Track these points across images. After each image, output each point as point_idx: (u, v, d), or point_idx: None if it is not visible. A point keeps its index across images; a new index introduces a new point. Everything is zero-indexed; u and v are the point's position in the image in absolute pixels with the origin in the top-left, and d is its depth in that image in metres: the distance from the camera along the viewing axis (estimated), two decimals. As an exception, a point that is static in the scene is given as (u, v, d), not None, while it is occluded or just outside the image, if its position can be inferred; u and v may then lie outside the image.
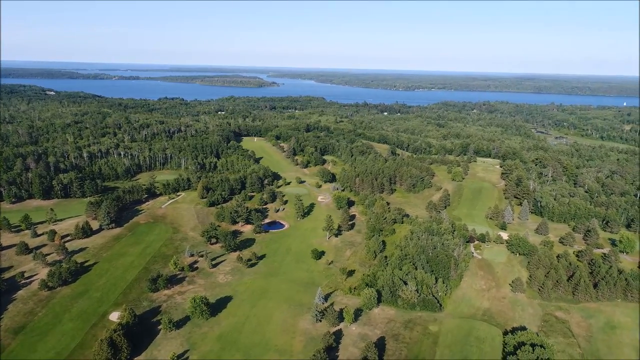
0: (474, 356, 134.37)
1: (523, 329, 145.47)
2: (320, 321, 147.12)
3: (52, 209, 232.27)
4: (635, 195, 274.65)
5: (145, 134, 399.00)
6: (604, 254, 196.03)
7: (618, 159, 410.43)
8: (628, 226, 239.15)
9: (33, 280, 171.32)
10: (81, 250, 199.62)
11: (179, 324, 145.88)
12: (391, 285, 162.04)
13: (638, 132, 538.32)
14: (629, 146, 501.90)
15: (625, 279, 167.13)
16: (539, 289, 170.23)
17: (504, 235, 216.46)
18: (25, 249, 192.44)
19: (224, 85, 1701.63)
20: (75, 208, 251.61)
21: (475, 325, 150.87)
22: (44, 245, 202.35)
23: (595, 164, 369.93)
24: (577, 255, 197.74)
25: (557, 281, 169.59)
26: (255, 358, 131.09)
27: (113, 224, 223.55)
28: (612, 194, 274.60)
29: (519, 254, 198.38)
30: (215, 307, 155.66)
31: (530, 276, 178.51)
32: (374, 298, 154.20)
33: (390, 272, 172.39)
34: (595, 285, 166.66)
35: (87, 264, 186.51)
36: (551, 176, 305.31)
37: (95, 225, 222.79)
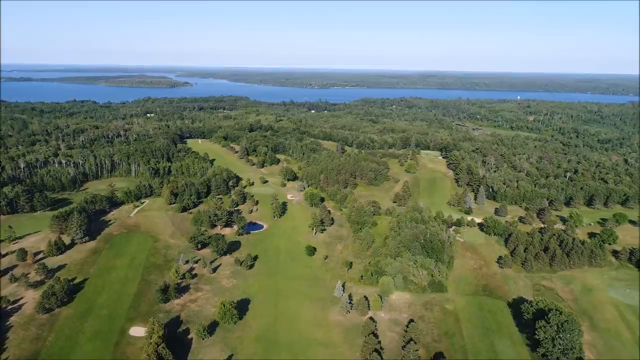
0: (494, 327, 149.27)
1: (522, 299, 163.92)
2: (349, 312, 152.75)
3: (10, 227, 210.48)
4: (565, 176, 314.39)
5: (83, 140, 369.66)
6: (563, 229, 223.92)
7: (536, 146, 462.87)
8: (567, 204, 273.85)
9: (22, 304, 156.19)
10: (60, 267, 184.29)
11: (210, 331, 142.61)
12: (402, 272, 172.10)
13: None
14: (539, 135, 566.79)
15: (590, 249, 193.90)
16: (522, 263, 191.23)
17: (477, 219, 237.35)
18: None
19: (133, 86, 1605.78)
20: (28, 224, 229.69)
21: (482, 300, 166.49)
22: (15, 265, 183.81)
23: (521, 152, 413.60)
24: (540, 232, 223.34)
25: (536, 255, 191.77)
26: (302, 354, 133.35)
27: (87, 238, 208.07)
28: (548, 176, 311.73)
29: (494, 234, 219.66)
30: (238, 310, 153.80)
31: (511, 253, 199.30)
32: (392, 285, 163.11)
33: (392, 260, 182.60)
34: (567, 256, 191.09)
35: (76, 281, 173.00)
36: (494, 164, 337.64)
37: (66, 240, 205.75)
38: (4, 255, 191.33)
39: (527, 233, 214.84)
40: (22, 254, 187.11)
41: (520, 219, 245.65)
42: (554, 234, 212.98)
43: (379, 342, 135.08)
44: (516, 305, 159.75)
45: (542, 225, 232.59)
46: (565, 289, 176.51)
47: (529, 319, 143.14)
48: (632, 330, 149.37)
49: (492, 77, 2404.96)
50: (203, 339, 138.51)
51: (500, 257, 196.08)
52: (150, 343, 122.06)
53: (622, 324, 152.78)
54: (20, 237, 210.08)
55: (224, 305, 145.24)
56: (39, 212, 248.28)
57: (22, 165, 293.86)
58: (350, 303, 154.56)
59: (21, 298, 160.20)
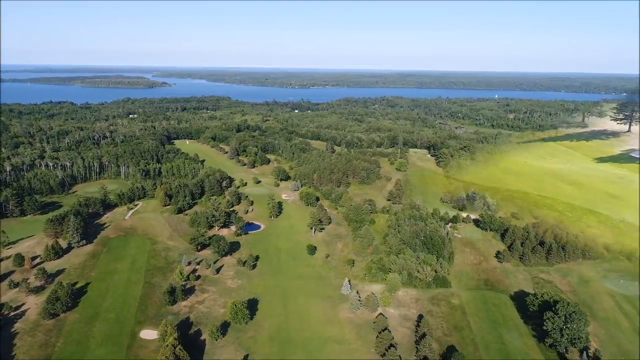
0: (500, 320, 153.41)
1: (524, 292, 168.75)
2: (359, 309, 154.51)
3: (3, 231, 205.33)
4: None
5: (68, 142, 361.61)
6: (556, 224, 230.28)
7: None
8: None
9: (25, 310, 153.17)
10: (60, 272, 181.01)
11: (222, 331, 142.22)
12: (407, 268, 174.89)
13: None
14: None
15: (583, 242, 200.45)
16: (520, 257, 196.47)
17: (472, 216, 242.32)
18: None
19: (110, 87, 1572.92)
20: (19, 228, 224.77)
21: (485, 294, 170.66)
22: (12, 271, 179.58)
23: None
24: (533, 226, 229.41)
25: (533, 249, 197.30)
26: (317, 352, 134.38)
27: (83, 241, 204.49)
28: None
29: (490, 230, 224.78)
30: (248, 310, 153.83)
31: (509, 247, 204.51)
32: (398, 281, 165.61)
33: (395, 257, 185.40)
34: (562, 249, 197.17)
35: (78, 285, 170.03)
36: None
37: (62, 244, 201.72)
38: (1, 260, 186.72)
39: (523, 228, 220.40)
40: (19, 259, 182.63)
41: (513, 215, 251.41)
42: (548, 229, 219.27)
43: (392, 338, 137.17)
44: (518, 298, 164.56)
45: (535, 220, 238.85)
46: (563, 281, 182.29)
47: (534, 311, 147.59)
48: (630, 319, 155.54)
49: (469, 76, 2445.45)
50: (216, 340, 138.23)
51: (498, 251, 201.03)
52: (167, 345, 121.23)
53: (620, 314, 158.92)
54: (14, 242, 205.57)
55: (235, 305, 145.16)
56: (29, 216, 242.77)
57: (8, 169, 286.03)
58: (359, 300, 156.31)
59: (23, 304, 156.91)
